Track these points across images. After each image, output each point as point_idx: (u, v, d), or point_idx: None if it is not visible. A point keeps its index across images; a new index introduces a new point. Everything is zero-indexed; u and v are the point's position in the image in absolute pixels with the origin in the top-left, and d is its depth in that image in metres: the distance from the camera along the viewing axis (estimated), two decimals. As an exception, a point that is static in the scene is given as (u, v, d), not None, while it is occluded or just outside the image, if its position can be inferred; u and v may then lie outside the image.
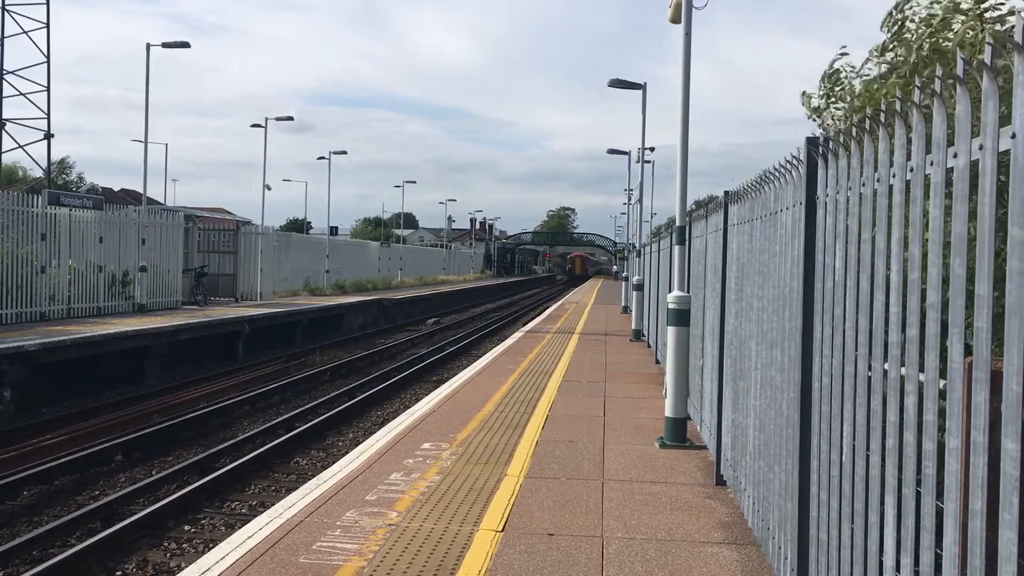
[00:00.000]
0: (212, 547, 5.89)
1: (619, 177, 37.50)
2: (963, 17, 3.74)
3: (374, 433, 8.84)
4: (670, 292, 8.12)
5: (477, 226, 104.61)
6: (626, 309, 26.25)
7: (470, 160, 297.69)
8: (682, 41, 8.23)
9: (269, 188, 35.63)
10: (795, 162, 4.01)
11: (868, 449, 2.95)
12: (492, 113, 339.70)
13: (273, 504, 5.84)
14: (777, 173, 4.45)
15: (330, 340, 23.65)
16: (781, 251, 4.31)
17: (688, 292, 8.35)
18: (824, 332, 3.55)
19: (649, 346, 16.08)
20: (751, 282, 5.24)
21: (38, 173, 45.51)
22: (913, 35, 4.02)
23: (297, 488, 6.25)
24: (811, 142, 3.77)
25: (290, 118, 34.35)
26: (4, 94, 40.56)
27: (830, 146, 3.55)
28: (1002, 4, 3.65)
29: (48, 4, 42.29)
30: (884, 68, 4.32)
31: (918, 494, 2.49)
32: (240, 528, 5.32)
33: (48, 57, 42.43)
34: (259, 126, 34.15)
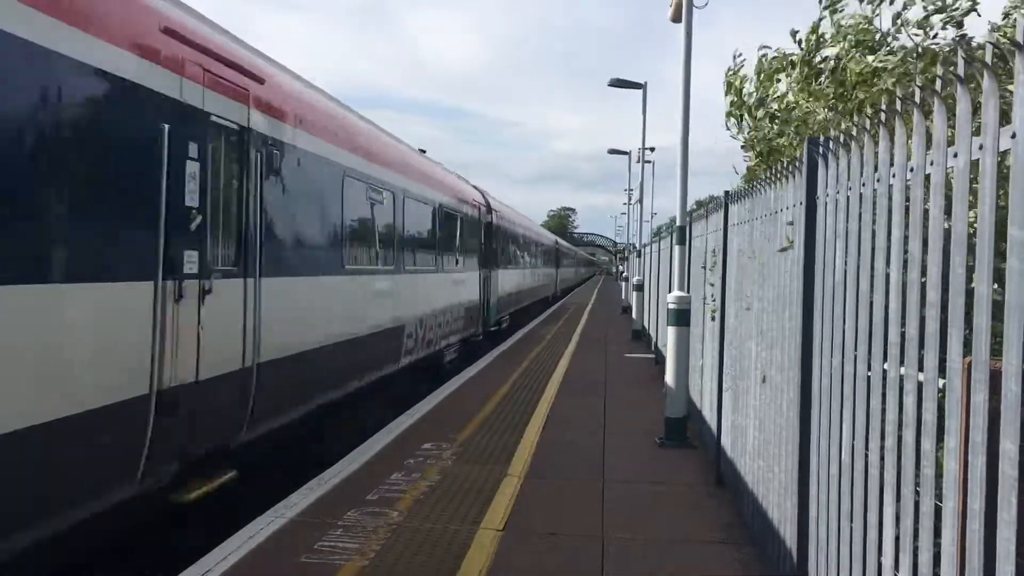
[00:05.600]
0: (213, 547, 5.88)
1: (623, 176, 37.61)
2: None
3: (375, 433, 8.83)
4: (670, 292, 8.12)
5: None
6: (626, 309, 26.25)
7: (475, 161, 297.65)
8: (683, 40, 8.24)
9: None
10: (795, 162, 4.02)
11: (867, 449, 2.96)
12: (497, 113, 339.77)
13: (274, 504, 5.83)
14: (777, 173, 4.45)
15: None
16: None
17: (688, 292, 8.36)
18: (824, 332, 3.55)
19: (649, 346, 16.09)
20: (751, 282, 5.25)
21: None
22: None
23: (298, 487, 6.25)
24: (811, 142, 3.78)
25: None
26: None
27: (830, 146, 3.55)
28: None
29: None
30: None
31: (917, 493, 2.49)
32: (241, 528, 5.32)
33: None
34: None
